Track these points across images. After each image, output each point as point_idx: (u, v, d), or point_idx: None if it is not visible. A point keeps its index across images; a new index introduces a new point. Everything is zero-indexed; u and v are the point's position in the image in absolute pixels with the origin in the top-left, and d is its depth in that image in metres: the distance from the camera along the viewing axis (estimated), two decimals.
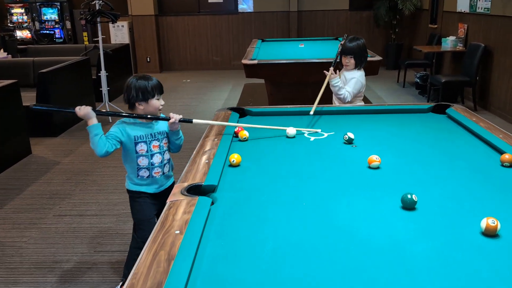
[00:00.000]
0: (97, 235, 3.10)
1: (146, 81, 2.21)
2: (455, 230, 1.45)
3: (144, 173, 2.29)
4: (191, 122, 2.39)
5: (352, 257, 1.32)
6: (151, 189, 2.33)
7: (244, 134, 2.41)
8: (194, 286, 1.20)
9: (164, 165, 2.34)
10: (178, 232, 1.40)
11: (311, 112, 2.72)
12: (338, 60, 3.30)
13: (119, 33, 9.06)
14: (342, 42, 3.34)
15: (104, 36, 6.33)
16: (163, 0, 9.48)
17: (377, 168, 1.98)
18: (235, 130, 2.48)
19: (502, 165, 1.97)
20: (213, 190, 1.77)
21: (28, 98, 5.30)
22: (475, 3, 6.23)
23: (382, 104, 3.17)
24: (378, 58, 4.98)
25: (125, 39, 9.04)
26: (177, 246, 1.32)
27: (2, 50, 7.54)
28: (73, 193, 3.80)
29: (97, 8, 5.55)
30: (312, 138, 2.26)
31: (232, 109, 2.91)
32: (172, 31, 9.57)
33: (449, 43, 6.72)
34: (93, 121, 2.16)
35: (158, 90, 2.25)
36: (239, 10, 9.45)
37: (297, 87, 5.23)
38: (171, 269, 1.21)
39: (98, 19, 5.61)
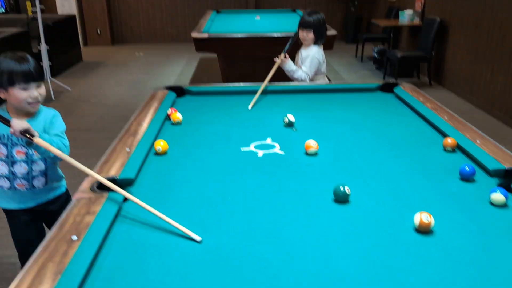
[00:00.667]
0: None
1: (10, 63, 1.70)
2: (387, 227, 1.34)
3: (3, 182, 1.82)
4: (32, 142, 1.61)
5: (272, 261, 1.17)
6: (12, 204, 1.88)
7: (177, 117, 2.21)
8: None
9: (34, 177, 1.84)
10: (75, 238, 1.22)
11: (250, 107, 2.45)
12: (290, 45, 3.10)
13: (66, 3, 8.49)
14: (294, 36, 3.16)
15: (43, 6, 5.87)
16: None
17: (315, 154, 1.84)
18: (168, 112, 2.28)
19: (445, 150, 1.87)
20: (130, 184, 1.58)
21: None
22: None
23: (328, 83, 3.01)
24: (333, 32, 4.83)
25: (73, 10, 8.49)
26: (69, 256, 1.14)
27: None
28: None
29: None
30: (261, 153, 1.87)
31: (170, 88, 2.70)
32: (124, 1, 9.06)
33: (406, 16, 6.63)
34: None
35: (22, 77, 1.70)
36: None
37: (251, 63, 5.03)
38: (56, 286, 1.03)
39: None
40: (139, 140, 1.91)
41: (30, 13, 7.68)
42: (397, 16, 7.04)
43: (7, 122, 1.60)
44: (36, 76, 1.74)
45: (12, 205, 1.90)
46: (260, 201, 1.50)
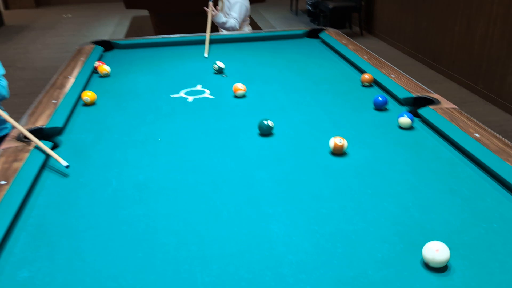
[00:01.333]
0: None
1: None
2: (307, 153, 1.45)
3: None
4: None
5: (198, 191, 1.26)
6: None
7: (105, 69, 2.19)
8: (17, 240, 1.07)
9: None
10: (4, 182, 1.23)
11: (206, 55, 2.47)
12: None
13: None
14: None
15: None
16: None
17: (243, 96, 1.92)
18: (95, 65, 2.25)
19: (363, 85, 2.01)
20: (58, 132, 1.59)
21: None
22: None
23: (257, 31, 3.06)
24: None
25: None
26: None
27: None
28: None
29: None
30: (191, 98, 1.93)
31: (96, 42, 2.64)
32: None
33: None
34: None
35: None
36: None
37: (184, 17, 4.96)
38: None
39: None
40: (66, 92, 1.90)
41: None
42: None
43: None
44: None
45: None
46: (190, 139, 1.56)
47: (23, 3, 8.42)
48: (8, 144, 1.46)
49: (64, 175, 1.35)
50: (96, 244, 1.05)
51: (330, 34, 2.73)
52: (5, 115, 1.52)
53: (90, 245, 1.05)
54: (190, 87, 2.04)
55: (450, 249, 0.96)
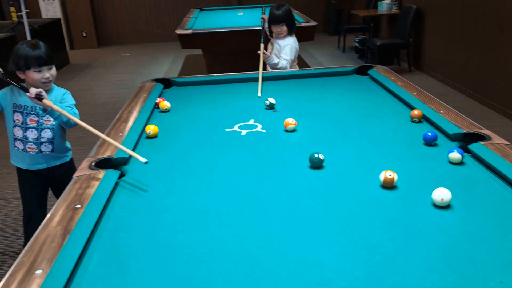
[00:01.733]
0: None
1: (26, 50, 2.03)
2: (357, 185, 1.50)
3: (19, 145, 2.18)
4: (41, 101, 1.92)
5: (251, 219, 1.34)
6: (24, 164, 2.23)
7: (165, 105, 2.36)
8: (91, 258, 1.18)
9: (42, 143, 2.18)
10: (79, 206, 1.37)
11: (259, 94, 2.53)
12: (265, 34, 3.27)
13: (50, 7, 8.56)
14: (264, 26, 3.32)
15: (29, 11, 5.96)
16: None
17: (293, 131, 2.01)
18: (156, 101, 2.43)
19: (412, 121, 2.04)
20: (124, 162, 1.74)
21: None
22: None
23: (307, 68, 3.17)
24: (313, 23, 4.99)
25: (57, 14, 8.56)
26: (75, 220, 1.29)
27: None
28: (1, 176, 3.63)
29: None
30: (244, 132, 2.03)
31: (157, 80, 2.85)
32: (108, 3, 9.15)
33: (384, 6, 6.82)
34: None
35: (36, 62, 2.03)
36: None
37: (235, 56, 5.18)
38: (65, 244, 1.19)
39: None
40: (131, 126, 2.06)
41: (15, 18, 7.75)
42: (376, 6, 7.23)
43: (25, 89, 1.97)
44: (47, 61, 2.07)
45: (24, 165, 2.24)
46: (244, 170, 1.66)
47: (87, 43, 9.08)
48: (81, 172, 1.61)
49: (131, 201, 1.47)
50: (159, 264, 1.14)
51: (379, 71, 2.79)
52: (97, 132, 1.78)
53: (154, 265, 1.14)
54: (243, 122, 2.16)
55: (503, 283, 0.97)
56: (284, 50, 3.19)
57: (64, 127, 2.21)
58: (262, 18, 3.35)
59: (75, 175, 1.59)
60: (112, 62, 7.82)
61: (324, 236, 1.22)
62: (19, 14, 6.01)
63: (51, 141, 2.20)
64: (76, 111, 2.17)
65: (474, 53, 4.84)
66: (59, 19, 7.77)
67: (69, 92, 2.26)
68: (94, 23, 9.03)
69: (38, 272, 1.08)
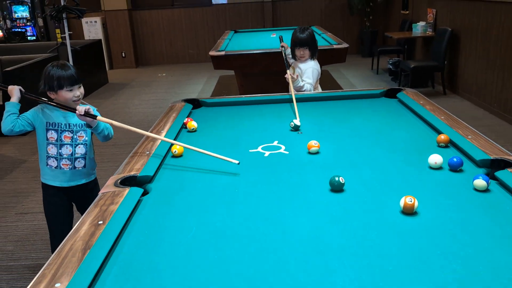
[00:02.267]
0: None
1: (57, 71, 2.14)
2: (376, 210, 1.49)
3: (52, 162, 2.24)
4: (95, 118, 2.11)
5: (269, 241, 1.34)
6: (57, 182, 2.28)
7: (193, 125, 2.42)
8: (109, 274, 1.21)
9: (76, 159, 2.26)
10: (101, 222, 1.42)
11: (298, 123, 2.37)
12: (289, 59, 3.32)
13: (92, 28, 8.97)
14: (284, 50, 3.35)
15: (72, 33, 6.27)
16: None
17: (316, 153, 2.01)
18: (184, 121, 2.49)
19: (438, 146, 2.01)
20: (149, 181, 1.79)
21: None
22: None
23: (334, 90, 3.17)
24: (344, 45, 5.00)
25: (99, 35, 8.95)
26: (96, 236, 1.34)
27: None
28: (37, 191, 3.77)
29: (62, 4, 5.49)
30: (267, 153, 2.05)
31: (187, 100, 2.92)
32: (147, 25, 9.50)
33: (419, 28, 6.77)
34: (13, 99, 2.17)
35: (68, 81, 2.14)
36: (213, 2, 9.40)
37: (266, 77, 5.24)
38: (85, 258, 1.23)
39: (64, 15, 5.55)
40: (158, 144, 2.12)
41: (59, 39, 8.15)
42: (410, 28, 7.18)
43: (72, 109, 2.11)
44: (78, 80, 2.20)
45: (56, 183, 2.29)
46: (264, 191, 1.67)
47: (126, 63, 9.42)
48: (107, 189, 1.67)
49: (152, 218, 1.51)
50: (175, 283, 1.16)
51: (407, 94, 2.76)
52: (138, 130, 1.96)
53: (170, 283, 1.16)
54: (267, 143, 2.18)
55: None
56: (306, 73, 3.20)
57: (103, 140, 2.30)
58: (282, 46, 3.39)
59: (101, 192, 1.65)
60: (149, 82, 8.07)
61: (340, 261, 1.21)
62: (63, 35, 6.32)
63: (83, 157, 2.29)
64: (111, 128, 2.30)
65: (510, 76, 4.70)
66: (100, 40, 8.11)
67: (93, 107, 2.27)
68: (133, 44, 9.38)
69: (58, 285, 1.13)
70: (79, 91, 2.21)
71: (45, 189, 2.34)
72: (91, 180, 2.38)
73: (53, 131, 2.22)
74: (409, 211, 1.44)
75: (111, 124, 2.13)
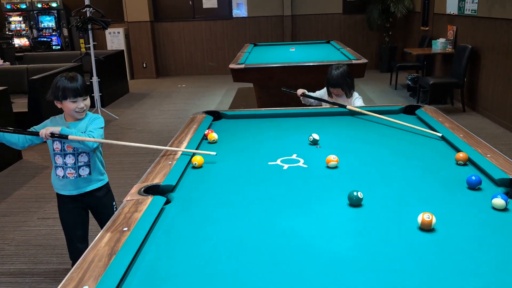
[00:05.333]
0: None
1: (64, 82, 2.23)
2: (394, 226, 1.51)
3: (60, 172, 2.33)
4: (66, 138, 2.16)
5: (286, 253, 1.37)
6: (66, 191, 2.37)
7: (213, 136, 2.47)
8: (133, 279, 1.26)
9: (80, 167, 2.33)
10: (126, 229, 1.47)
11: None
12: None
13: (115, 39, 9.18)
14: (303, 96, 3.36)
15: (96, 43, 6.43)
16: (159, 6, 9.60)
17: (335, 167, 2.04)
18: (205, 132, 2.54)
19: (457, 164, 2.02)
20: (171, 190, 1.84)
21: (20, 104, 5.41)
22: (463, 5, 6.28)
23: (354, 107, 3.19)
24: (363, 60, 5.03)
25: (121, 45, 9.15)
26: (121, 242, 1.39)
27: None
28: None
29: (87, 15, 5.65)
30: (286, 166, 2.09)
31: (207, 112, 2.98)
32: (168, 37, 9.68)
33: (439, 45, 6.77)
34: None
35: (72, 93, 2.23)
36: (234, 15, 9.55)
37: (285, 91, 5.29)
38: (111, 263, 1.28)
39: (89, 26, 5.71)
40: (179, 155, 2.18)
41: (83, 49, 8.36)
42: (430, 45, 7.18)
43: (35, 134, 2.20)
44: (82, 93, 2.26)
45: (65, 192, 2.38)
46: (282, 204, 1.71)
47: (147, 74, 9.59)
48: (131, 197, 1.72)
49: (173, 227, 1.55)
50: None
51: (426, 111, 2.78)
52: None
53: None
54: (286, 156, 2.22)
55: None
56: (356, 103, 3.25)
57: (87, 150, 2.30)
58: (301, 95, 3.42)
59: (125, 199, 1.71)
60: (168, 92, 8.20)
61: (357, 276, 1.24)
62: (87, 45, 6.49)
63: (87, 164, 2.35)
64: (97, 133, 2.25)
65: None
66: (122, 50, 8.29)
67: (99, 117, 2.38)
68: (154, 55, 9.57)
69: None
70: (84, 103, 2.28)
71: (58, 198, 2.44)
72: (101, 186, 2.44)
73: (57, 142, 2.29)
74: (426, 228, 1.46)
75: (76, 139, 2.17)
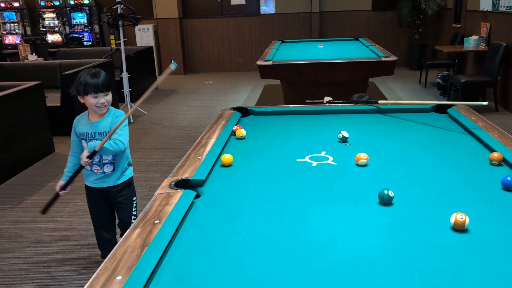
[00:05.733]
0: None
1: (86, 77, 2.31)
2: (426, 225, 1.49)
3: (88, 167, 2.46)
4: (95, 152, 2.31)
5: (316, 250, 1.37)
6: (91, 183, 2.50)
7: (241, 132, 2.49)
8: (165, 270, 1.28)
9: (104, 165, 2.44)
10: (157, 221, 1.50)
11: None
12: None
13: (145, 35, 9.31)
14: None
15: (126, 39, 6.54)
16: (187, 3, 9.69)
17: (365, 165, 2.02)
18: (233, 129, 2.56)
19: (491, 164, 1.97)
20: (201, 184, 1.86)
21: (53, 99, 5.56)
22: (498, 2, 6.10)
23: (383, 103, 3.14)
24: (393, 58, 4.96)
25: (150, 42, 9.28)
26: (153, 234, 1.42)
27: (33, 54, 7.89)
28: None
29: (118, 12, 5.75)
30: (315, 164, 2.08)
31: (236, 108, 3.00)
32: (196, 33, 9.76)
33: (471, 42, 6.60)
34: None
35: (93, 89, 2.31)
36: (261, 12, 9.55)
37: (312, 88, 5.27)
38: (143, 255, 1.31)
39: (120, 23, 5.81)
40: (209, 150, 2.20)
41: (113, 45, 8.51)
42: (462, 42, 7.01)
43: (80, 169, 2.39)
44: (103, 88, 2.33)
45: (91, 184, 2.52)
46: (312, 201, 1.70)
47: (175, 70, 9.70)
48: (162, 190, 1.75)
49: (203, 221, 1.57)
50: (225, 285, 1.21)
51: (458, 110, 2.72)
52: None
53: (220, 285, 1.22)
54: (314, 153, 2.21)
55: None
56: None
57: (119, 153, 2.44)
58: (328, 102, 3.39)
59: (156, 193, 1.74)
60: (196, 89, 8.27)
61: (387, 275, 1.23)
62: (117, 42, 6.61)
63: (111, 162, 2.45)
64: (124, 137, 2.37)
65: None
66: (151, 47, 8.41)
67: (122, 114, 2.45)
68: (182, 51, 9.66)
69: (118, 278, 1.21)
70: (105, 98, 2.36)
71: (86, 189, 2.58)
72: (124, 181, 2.53)
73: (83, 140, 2.42)
74: (459, 228, 1.43)
75: (109, 152, 2.36)
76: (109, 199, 2.56)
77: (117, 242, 2.44)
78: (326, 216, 1.58)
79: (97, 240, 2.67)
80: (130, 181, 2.58)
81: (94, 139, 2.38)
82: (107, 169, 2.45)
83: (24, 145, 4.59)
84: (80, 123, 2.43)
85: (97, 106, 2.35)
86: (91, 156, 2.28)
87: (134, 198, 2.60)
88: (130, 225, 2.33)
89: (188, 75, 9.74)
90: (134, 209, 2.58)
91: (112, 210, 2.62)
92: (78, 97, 2.37)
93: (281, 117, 2.93)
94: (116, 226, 2.68)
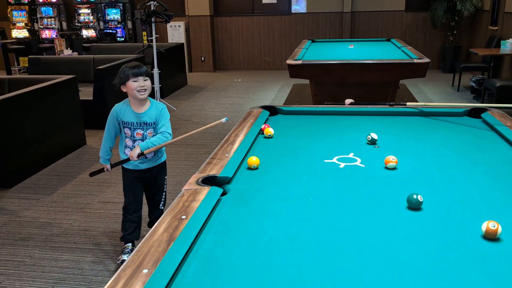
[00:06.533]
0: None
1: (128, 66, 2.57)
2: (456, 232, 1.45)
3: (128, 152, 2.68)
4: (143, 153, 2.59)
5: (342, 252, 1.36)
6: (131, 165, 2.75)
7: (269, 131, 2.49)
8: (190, 266, 1.30)
9: None
10: (184, 217, 1.51)
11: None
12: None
13: (176, 32, 9.42)
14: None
15: (158, 36, 6.64)
16: (219, 1, 9.74)
17: (394, 168, 1.99)
18: (262, 127, 2.56)
19: None
20: (227, 181, 1.87)
21: (87, 92, 5.70)
22: None
23: (416, 105, 3.08)
24: (425, 60, 4.86)
25: (181, 39, 9.38)
26: (180, 229, 1.43)
27: (68, 48, 8.10)
28: (119, 182, 4.04)
29: (151, 9, 5.84)
30: (342, 165, 2.06)
31: (264, 107, 3.00)
32: (227, 31, 9.81)
33: (508, 45, 6.39)
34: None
35: (133, 73, 2.54)
36: (292, 11, 9.51)
37: (341, 88, 5.22)
38: (169, 249, 1.32)
39: (153, 19, 5.90)
40: (236, 148, 2.21)
41: (145, 42, 8.64)
42: (498, 45, 6.80)
43: (127, 160, 2.65)
44: (142, 73, 2.57)
45: (130, 166, 2.77)
46: (339, 202, 1.69)
47: (204, 67, 9.78)
48: (189, 186, 1.77)
49: (230, 218, 1.58)
50: (250, 283, 1.22)
51: (493, 115, 2.64)
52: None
53: (245, 282, 1.22)
54: (342, 154, 2.19)
55: None
56: None
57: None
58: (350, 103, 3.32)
59: (184, 188, 1.76)
60: (225, 86, 8.32)
61: (415, 281, 1.20)
62: (149, 38, 6.71)
63: None
64: (166, 133, 2.63)
65: None
66: (182, 44, 8.50)
67: (164, 107, 2.70)
68: (212, 49, 9.73)
69: (145, 271, 1.23)
70: (144, 82, 2.57)
71: (124, 171, 2.82)
72: (161, 163, 2.83)
73: (127, 128, 2.68)
74: (491, 237, 1.39)
75: (158, 148, 2.63)
76: (144, 181, 2.81)
77: (141, 222, 2.87)
78: (353, 218, 1.57)
79: (124, 216, 2.83)
80: (165, 163, 2.89)
81: (139, 128, 2.64)
82: (149, 154, 2.66)
83: (57, 137, 4.72)
84: (126, 113, 2.64)
85: (137, 90, 2.55)
86: (139, 155, 2.57)
87: (166, 177, 2.93)
88: (160, 202, 2.91)
89: (217, 72, 9.80)
90: (165, 187, 2.92)
91: (142, 190, 2.87)
92: (121, 87, 2.60)
93: (310, 117, 2.91)
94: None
